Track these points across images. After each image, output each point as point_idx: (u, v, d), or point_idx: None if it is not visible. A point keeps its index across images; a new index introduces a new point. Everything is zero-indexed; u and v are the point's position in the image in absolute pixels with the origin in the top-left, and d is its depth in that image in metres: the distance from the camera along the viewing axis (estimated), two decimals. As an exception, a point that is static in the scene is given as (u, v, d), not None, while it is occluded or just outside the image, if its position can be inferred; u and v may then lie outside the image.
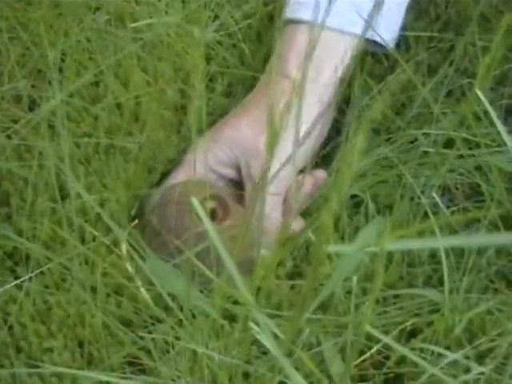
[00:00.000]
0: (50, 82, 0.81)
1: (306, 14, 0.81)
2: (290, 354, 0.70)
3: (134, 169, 0.76)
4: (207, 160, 0.77)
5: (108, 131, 0.80)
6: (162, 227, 0.74)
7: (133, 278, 0.71)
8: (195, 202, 0.42)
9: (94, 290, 0.72)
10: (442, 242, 0.32)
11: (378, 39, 0.82)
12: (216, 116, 0.87)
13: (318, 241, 0.31)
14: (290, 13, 0.83)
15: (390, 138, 0.86)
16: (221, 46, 0.90)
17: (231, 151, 0.80)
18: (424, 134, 0.82)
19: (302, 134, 0.78)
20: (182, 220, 0.74)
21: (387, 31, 0.83)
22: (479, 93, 0.58)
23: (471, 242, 0.31)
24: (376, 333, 0.49)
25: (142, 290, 0.65)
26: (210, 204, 0.76)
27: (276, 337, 0.51)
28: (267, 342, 0.42)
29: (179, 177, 0.79)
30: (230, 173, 0.81)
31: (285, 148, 0.53)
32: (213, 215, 0.76)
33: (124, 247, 0.67)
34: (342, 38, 0.82)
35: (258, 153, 0.78)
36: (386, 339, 0.49)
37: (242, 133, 0.79)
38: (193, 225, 0.72)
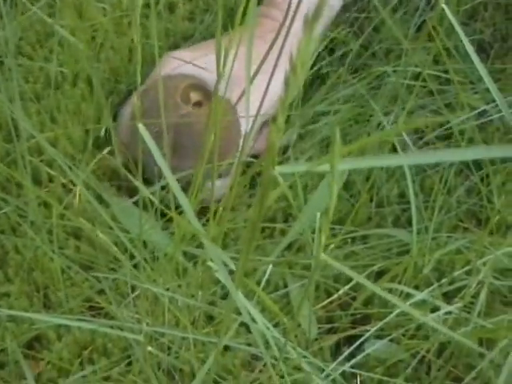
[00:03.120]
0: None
1: None
2: (251, 296, 0.69)
3: (81, 96, 0.74)
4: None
5: (62, 65, 0.77)
6: (145, 112, 0.72)
7: (91, 221, 0.69)
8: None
9: (51, 233, 0.70)
10: (400, 159, 0.30)
11: None
12: (178, 38, 0.84)
13: (266, 162, 0.30)
14: None
15: (359, 74, 0.84)
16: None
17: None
18: (394, 70, 0.80)
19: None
20: (166, 105, 0.71)
21: None
22: (453, 21, 0.56)
23: (431, 158, 0.29)
24: (336, 264, 0.47)
25: (99, 233, 0.63)
26: (195, 96, 0.74)
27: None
28: (223, 277, 0.41)
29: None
30: None
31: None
32: (199, 106, 0.74)
33: (78, 189, 0.65)
34: None
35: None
36: (356, 276, 0.47)
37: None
38: (175, 109, 0.71)
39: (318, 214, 0.59)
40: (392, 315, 0.62)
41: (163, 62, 0.76)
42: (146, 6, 0.86)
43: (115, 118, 0.77)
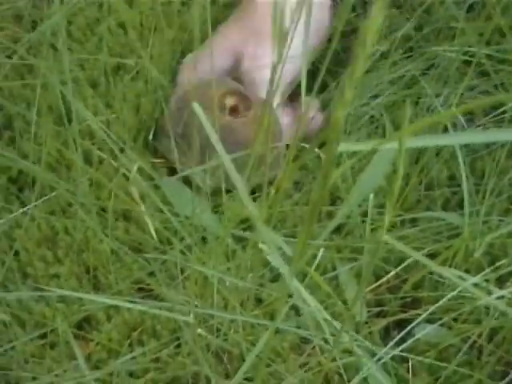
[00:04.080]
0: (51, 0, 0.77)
1: None
2: (303, 279, 0.68)
3: (140, 89, 0.73)
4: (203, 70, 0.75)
5: (112, 51, 0.77)
6: (183, 131, 0.73)
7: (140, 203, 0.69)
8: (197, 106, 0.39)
9: (101, 214, 0.70)
10: (458, 138, 0.28)
11: None
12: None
13: (330, 138, 0.29)
14: None
15: (409, 56, 0.82)
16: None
17: (224, 60, 0.78)
18: (444, 50, 0.78)
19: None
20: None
21: None
22: None
23: (491, 137, 0.28)
24: (398, 245, 0.46)
25: (146, 217, 0.63)
26: (231, 100, 0.74)
27: (287, 257, 0.49)
28: (275, 260, 0.40)
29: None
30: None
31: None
32: (235, 111, 0.75)
33: (134, 170, 0.65)
34: None
35: (248, 55, 0.77)
36: (416, 255, 0.46)
37: (230, 40, 0.78)
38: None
39: (371, 196, 0.57)
40: (444, 299, 0.60)
41: (184, 69, 0.78)
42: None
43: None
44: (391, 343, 0.64)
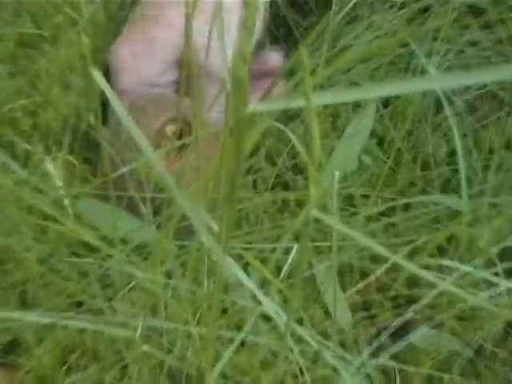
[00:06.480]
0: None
1: None
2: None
3: (67, 62, 0.65)
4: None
5: (33, 19, 0.68)
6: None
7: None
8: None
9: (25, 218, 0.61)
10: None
11: None
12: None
13: (235, 100, 0.20)
14: None
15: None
16: None
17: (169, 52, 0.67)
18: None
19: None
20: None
21: None
22: None
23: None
24: (370, 242, 0.38)
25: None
26: (172, 128, 0.66)
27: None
28: (205, 239, 0.31)
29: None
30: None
31: None
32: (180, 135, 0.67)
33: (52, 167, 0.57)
34: None
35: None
36: (388, 253, 0.36)
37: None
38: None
39: (336, 173, 0.48)
40: (432, 292, 0.51)
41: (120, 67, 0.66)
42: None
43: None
44: (384, 353, 0.54)
